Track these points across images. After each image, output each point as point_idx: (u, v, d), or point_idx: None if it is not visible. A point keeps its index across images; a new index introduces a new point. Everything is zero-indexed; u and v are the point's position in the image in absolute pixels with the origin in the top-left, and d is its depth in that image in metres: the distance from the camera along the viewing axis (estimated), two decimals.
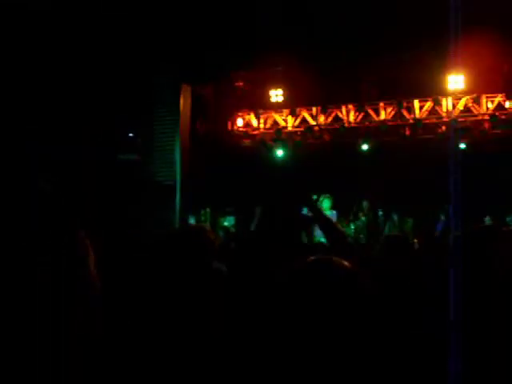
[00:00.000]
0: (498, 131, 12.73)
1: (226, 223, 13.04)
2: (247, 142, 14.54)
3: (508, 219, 11.53)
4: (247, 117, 14.32)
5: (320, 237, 11.61)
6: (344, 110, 13.71)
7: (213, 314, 2.88)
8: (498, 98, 12.53)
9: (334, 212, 11.95)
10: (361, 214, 12.50)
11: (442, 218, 11.56)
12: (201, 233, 3.15)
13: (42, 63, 9.26)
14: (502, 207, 11.46)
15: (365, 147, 13.61)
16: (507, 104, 12.40)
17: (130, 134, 12.21)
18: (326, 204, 11.96)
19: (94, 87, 10.00)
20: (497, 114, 12.51)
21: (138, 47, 10.21)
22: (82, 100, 9.94)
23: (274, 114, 14.16)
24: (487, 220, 11.17)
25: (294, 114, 13.93)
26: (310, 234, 11.67)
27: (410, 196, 12.85)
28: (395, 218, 12.28)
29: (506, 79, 12.13)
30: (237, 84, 13.38)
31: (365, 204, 12.52)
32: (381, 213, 12.83)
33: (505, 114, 12.48)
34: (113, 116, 10.78)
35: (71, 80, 9.64)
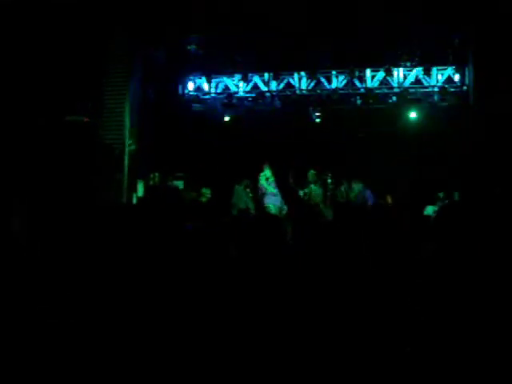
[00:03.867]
0: (446, 103, 12.93)
1: None
2: (198, 106, 14.36)
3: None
4: (198, 81, 14.14)
5: (270, 204, 11.77)
6: (296, 76, 13.68)
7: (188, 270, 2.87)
8: (448, 71, 12.72)
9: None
10: (313, 183, 12.57)
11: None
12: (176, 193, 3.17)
13: None
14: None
15: (316, 115, 13.65)
16: (456, 77, 12.60)
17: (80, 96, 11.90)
18: (268, 172, 12.03)
19: (44, 48, 9.69)
20: (446, 86, 12.72)
21: (90, 9, 9.91)
22: (32, 61, 9.63)
23: (226, 79, 14.03)
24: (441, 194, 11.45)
25: (245, 79, 13.81)
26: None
27: (359, 165, 13.01)
28: (345, 186, 12.44)
29: (456, 53, 12.31)
30: (189, 48, 13.14)
31: (311, 174, 12.57)
32: (330, 180, 12.93)
33: (453, 87, 12.69)
34: (62, 77, 10.48)
35: (21, 41, 9.31)
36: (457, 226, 2.95)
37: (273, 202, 11.63)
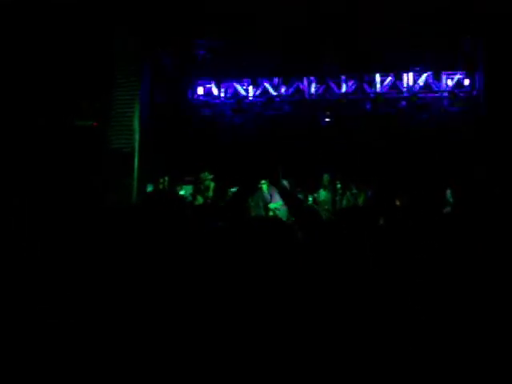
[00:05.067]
0: (456, 109, 12.90)
1: (182, 192, 12.95)
2: (207, 110, 14.40)
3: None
4: (208, 85, 14.17)
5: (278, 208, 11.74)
6: (305, 81, 13.69)
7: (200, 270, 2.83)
8: (458, 76, 12.68)
9: (284, 182, 11.93)
10: (323, 187, 12.53)
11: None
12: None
13: None
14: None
15: (326, 120, 13.64)
16: (466, 82, 12.56)
17: (88, 100, 11.93)
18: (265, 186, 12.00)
19: (52, 51, 9.72)
20: (455, 91, 12.69)
21: (98, 11, 9.93)
22: (39, 64, 9.66)
23: (235, 84, 14.05)
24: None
25: (255, 84, 13.84)
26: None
27: (368, 169, 12.97)
28: (354, 191, 12.39)
29: (466, 57, 12.28)
30: (198, 52, 13.18)
31: (325, 177, 12.55)
32: (339, 185, 12.89)
33: (463, 92, 12.65)
34: (70, 80, 10.51)
35: (28, 44, 9.34)
36: (458, 226, 2.93)
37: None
